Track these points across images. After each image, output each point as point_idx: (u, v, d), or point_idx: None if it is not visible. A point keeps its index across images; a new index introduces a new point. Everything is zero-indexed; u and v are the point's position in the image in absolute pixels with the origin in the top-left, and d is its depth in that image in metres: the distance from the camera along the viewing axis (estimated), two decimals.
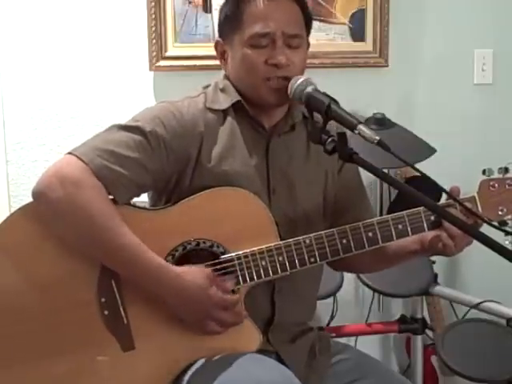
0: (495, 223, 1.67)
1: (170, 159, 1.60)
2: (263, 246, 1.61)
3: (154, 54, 2.70)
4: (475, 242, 1.33)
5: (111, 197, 1.55)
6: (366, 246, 1.65)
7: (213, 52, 1.74)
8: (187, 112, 1.64)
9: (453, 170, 2.75)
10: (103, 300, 1.56)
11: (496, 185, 1.69)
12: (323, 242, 1.63)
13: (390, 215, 1.66)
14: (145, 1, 2.67)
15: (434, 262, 2.72)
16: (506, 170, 1.69)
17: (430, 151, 2.60)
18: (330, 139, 1.51)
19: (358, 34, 2.82)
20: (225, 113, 1.68)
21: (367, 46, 2.83)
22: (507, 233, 1.63)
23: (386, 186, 2.82)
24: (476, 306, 2.56)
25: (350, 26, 2.81)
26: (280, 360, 1.66)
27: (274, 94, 1.64)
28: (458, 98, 2.94)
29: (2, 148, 2.68)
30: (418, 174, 1.45)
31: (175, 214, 1.61)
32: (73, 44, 2.68)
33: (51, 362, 1.55)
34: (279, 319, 1.69)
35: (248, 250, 1.60)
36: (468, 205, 1.65)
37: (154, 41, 2.69)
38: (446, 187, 1.54)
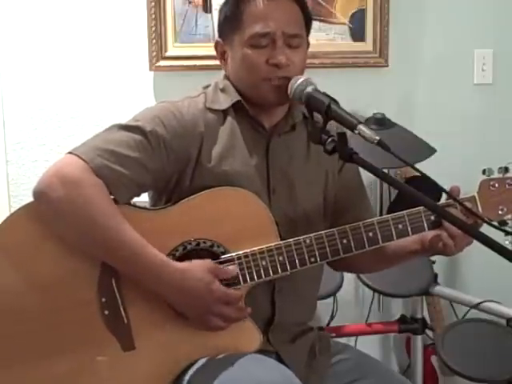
0: (495, 223, 1.67)
1: (170, 159, 1.61)
2: (263, 246, 1.60)
3: (154, 54, 2.70)
4: (475, 242, 1.33)
5: (112, 196, 1.55)
6: (367, 245, 1.65)
7: (213, 52, 1.74)
8: (187, 112, 1.64)
9: (453, 169, 2.75)
10: (103, 300, 1.56)
11: (496, 184, 1.69)
12: (323, 241, 1.63)
13: (390, 215, 1.66)
14: (145, 1, 2.67)
15: (433, 262, 2.72)
16: (506, 169, 1.69)
17: (430, 151, 2.60)
18: (330, 139, 1.51)
19: (357, 34, 2.82)
20: (225, 113, 1.68)
21: (367, 45, 2.83)
22: (507, 233, 1.63)
23: (386, 185, 2.82)
24: (476, 306, 2.56)
25: (350, 25, 2.81)
26: (280, 360, 1.66)
27: (274, 94, 1.63)
28: (457, 98, 2.94)
29: (2, 148, 2.68)
30: (418, 173, 1.44)
31: (175, 213, 1.61)
32: (73, 44, 2.68)
33: (51, 362, 1.55)
34: (279, 319, 1.69)
35: (248, 250, 1.60)
36: (468, 205, 1.65)
37: (154, 41, 2.69)
38: (446, 187, 1.54)
